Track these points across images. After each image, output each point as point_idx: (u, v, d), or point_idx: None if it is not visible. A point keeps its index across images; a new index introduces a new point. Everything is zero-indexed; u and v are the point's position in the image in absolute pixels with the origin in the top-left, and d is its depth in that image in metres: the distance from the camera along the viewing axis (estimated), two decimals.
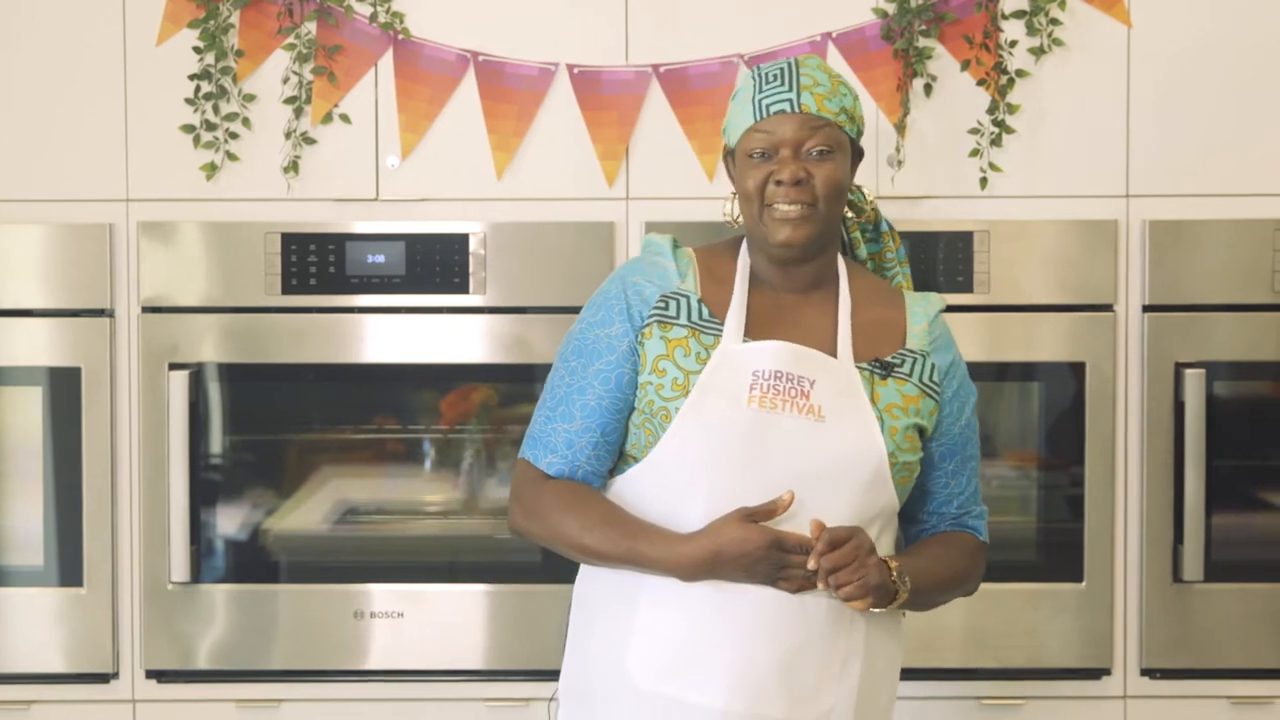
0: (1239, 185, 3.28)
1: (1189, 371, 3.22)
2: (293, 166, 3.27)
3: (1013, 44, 3.26)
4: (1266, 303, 3.26)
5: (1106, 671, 3.29)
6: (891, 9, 3.25)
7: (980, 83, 3.26)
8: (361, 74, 3.27)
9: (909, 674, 3.25)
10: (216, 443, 3.29)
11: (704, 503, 2.26)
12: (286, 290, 3.26)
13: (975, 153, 3.26)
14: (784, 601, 2.25)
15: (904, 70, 3.24)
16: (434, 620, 3.26)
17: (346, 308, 3.28)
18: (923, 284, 3.23)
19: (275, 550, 3.32)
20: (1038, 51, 3.26)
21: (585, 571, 2.41)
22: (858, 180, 2.49)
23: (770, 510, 2.23)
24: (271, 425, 3.34)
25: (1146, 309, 3.26)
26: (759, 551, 2.21)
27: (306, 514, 3.34)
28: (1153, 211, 3.27)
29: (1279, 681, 3.29)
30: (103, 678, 3.29)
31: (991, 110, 3.25)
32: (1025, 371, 3.29)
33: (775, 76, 2.32)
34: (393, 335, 3.27)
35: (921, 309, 2.42)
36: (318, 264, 3.25)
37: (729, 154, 2.41)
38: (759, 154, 2.32)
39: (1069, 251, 3.25)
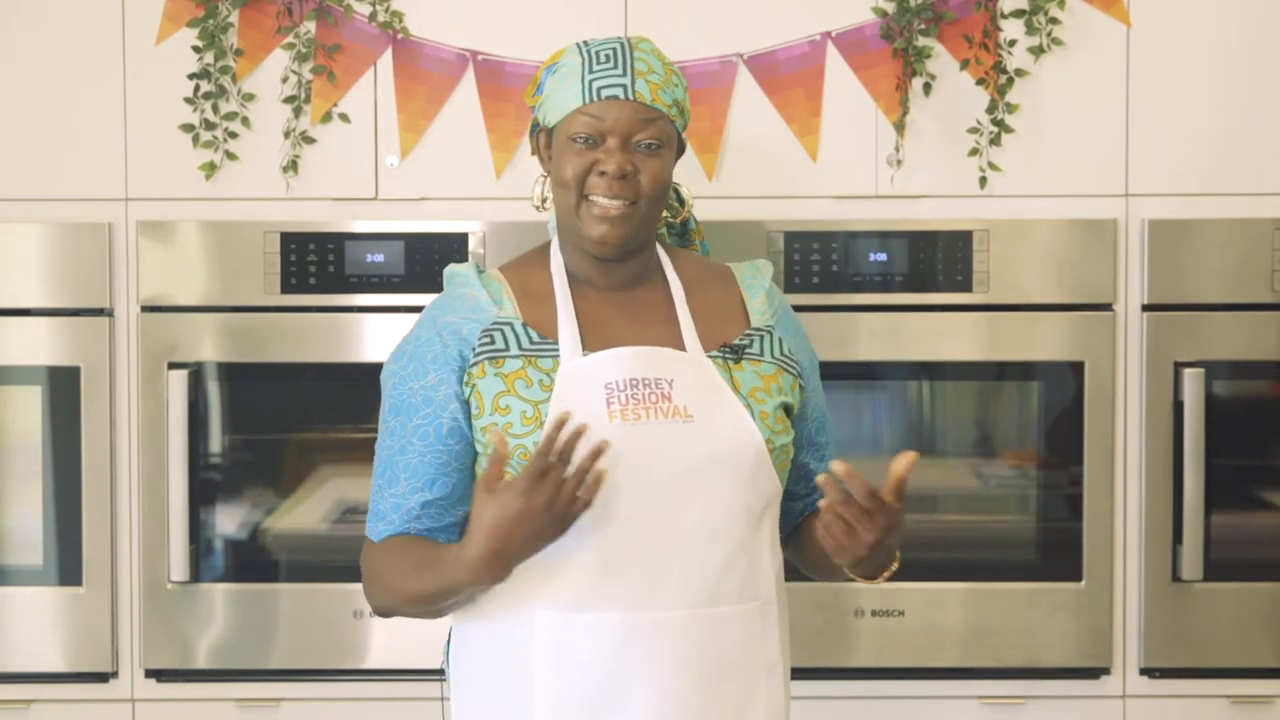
0: (1238, 185, 3.28)
1: (1188, 371, 3.22)
2: (292, 166, 3.27)
3: (1012, 43, 3.25)
4: (1266, 302, 3.26)
5: (1106, 671, 3.29)
6: (891, 8, 3.24)
7: (979, 82, 3.26)
8: (361, 73, 3.27)
9: (908, 673, 3.28)
10: (216, 442, 3.29)
11: (585, 533, 2.08)
12: (286, 289, 3.26)
13: (974, 152, 3.26)
14: (692, 620, 2.11)
15: (903, 69, 3.24)
16: (432, 619, 3.25)
17: (346, 307, 3.28)
18: (921, 284, 3.24)
19: (274, 549, 3.33)
20: (1037, 51, 3.26)
21: (457, 638, 2.25)
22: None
23: (498, 457, 2.01)
24: (271, 424, 3.34)
25: (1146, 308, 3.26)
26: (526, 497, 1.97)
27: (306, 513, 3.34)
28: (1152, 211, 3.27)
29: (1278, 681, 3.29)
30: (102, 677, 3.29)
31: (991, 109, 3.25)
32: (1024, 371, 3.29)
33: (608, 57, 2.15)
34: (392, 334, 3.22)
35: (754, 280, 2.29)
36: (317, 263, 3.25)
37: (542, 132, 2.23)
38: (583, 139, 2.14)
39: (1068, 251, 3.25)
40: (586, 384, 2.12)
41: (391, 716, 3.29)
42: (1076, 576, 3.27)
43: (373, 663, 3.28)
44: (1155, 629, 3.27)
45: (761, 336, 2.24)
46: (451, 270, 2.26)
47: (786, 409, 2.23)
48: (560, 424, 2.00)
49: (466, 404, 2.15)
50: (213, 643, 3.27)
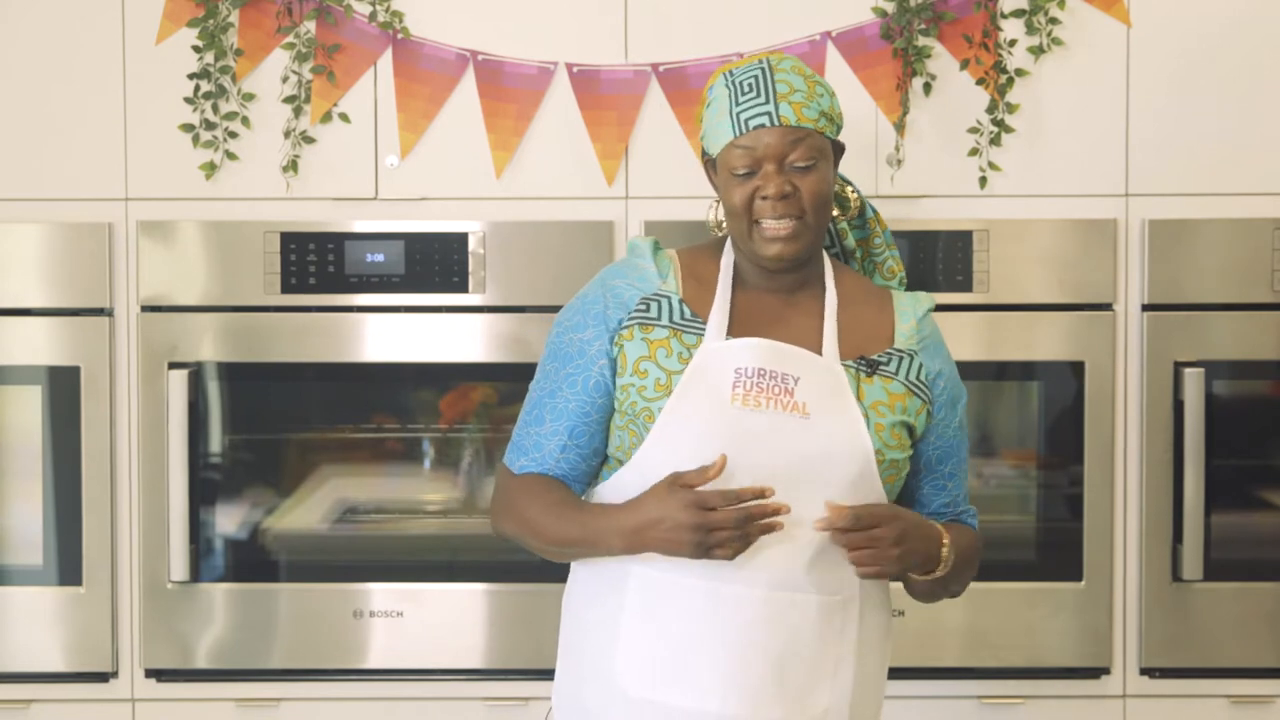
0: (1238, 185, 3.28)
1: (1188, 371, 3.22)
2: (292, 166, 3.27)
3: (1012, 43, 3.26)
4: (1265, 302, 3.26)
5: (1106, 670, 3.29)
6: (891, 8, 3.25)
7: (979, 82, 3.26)
8: (361, 73, 3.27)
9: (908, 673, 3.28)
10: (216, 442, 3.29)
11: None
12: (286, 289, 3.26)
13: (974, 152, 3.26)
14: (773, 602, 2.22)
15: (903, 69, 3.24)
16: (433, 619, 3.26)
17: (346, 307, 3.28)
18: (921, 283, 3.24)
19: (274, 549, 3.33)
20: (1037, 51, 3.26)
21: (573, 574, 2.39)
22: (851, 177, 2.47)
23: (700, 475, 2.18)
24: (271, 424, 3.34)
25: (1146, 308, 3.26)
26: (679, 514, 2.16)
27: (306, 513, 3.34)
28: (1152, 210, 3.27)
29: (1278, 681, 3.29)
30: (102, 677, 3.29)
31: (991, 109, 3.25)
32: (1024, 371, 3.29)
33: (750, 86, 2.27)
34: (392, 334, 3.27)
35: (909, 308, 2.39)
36: (317, 263, 3.25)
37: (710, 161, 2.36)
38: (743, 171, 2.27)
39: (1068, 251, 3.25)
40: (720, 366, 2.26)
41: (391, 716, 3.29)
42: (1076, 576, 3.27)
43: (373, 663, 3.28)
44: (1155, 629, 3.27)
45: (902, 358, 2.34)
46: (633, 241, 2.41)
47: (909, 429, 2.32)
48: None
49: (614, 362, 2.30)
50: (213, 643, 3.27)
